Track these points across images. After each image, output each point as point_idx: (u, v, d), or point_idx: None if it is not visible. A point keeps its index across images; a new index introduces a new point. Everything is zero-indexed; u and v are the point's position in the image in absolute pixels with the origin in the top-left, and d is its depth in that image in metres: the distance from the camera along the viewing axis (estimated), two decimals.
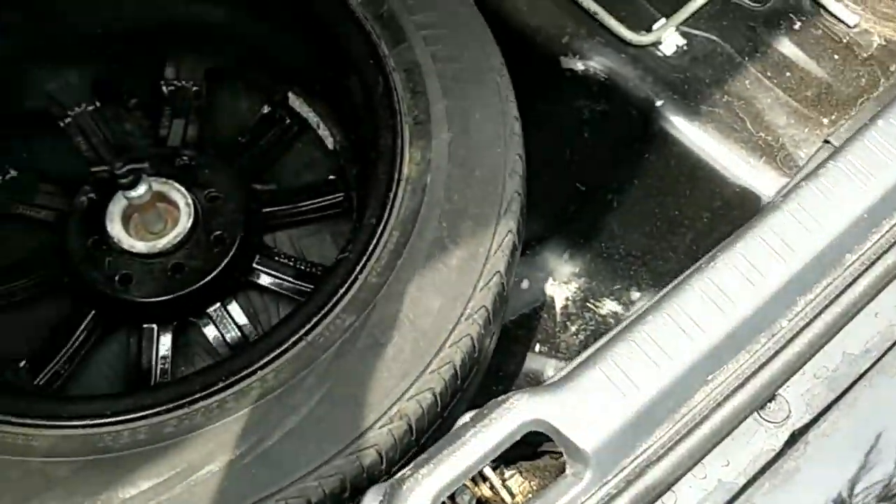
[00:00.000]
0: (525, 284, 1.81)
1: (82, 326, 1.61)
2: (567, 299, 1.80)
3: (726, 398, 0.97)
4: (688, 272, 1.05)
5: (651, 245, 1.68)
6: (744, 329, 0.98)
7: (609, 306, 1.76)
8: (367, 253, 1.28)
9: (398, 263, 1.27)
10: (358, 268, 1.27)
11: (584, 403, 0.94)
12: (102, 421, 1.17)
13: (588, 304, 1.78)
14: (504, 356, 1.74)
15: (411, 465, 0.95)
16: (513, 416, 0.93)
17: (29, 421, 1.16)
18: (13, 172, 1.74)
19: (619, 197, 1.68)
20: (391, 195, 1.32)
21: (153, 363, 1.61)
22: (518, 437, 0.94)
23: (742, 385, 0.97)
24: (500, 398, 0.97)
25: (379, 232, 1.30)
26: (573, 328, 1.78)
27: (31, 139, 1.82)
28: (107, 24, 1.72)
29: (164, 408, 1.18)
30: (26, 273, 1.66)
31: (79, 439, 1.15)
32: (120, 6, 1.71)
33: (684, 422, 0.96)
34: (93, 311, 1.62)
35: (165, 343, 1.63)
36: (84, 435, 1.16)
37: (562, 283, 1.80)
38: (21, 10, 1.60)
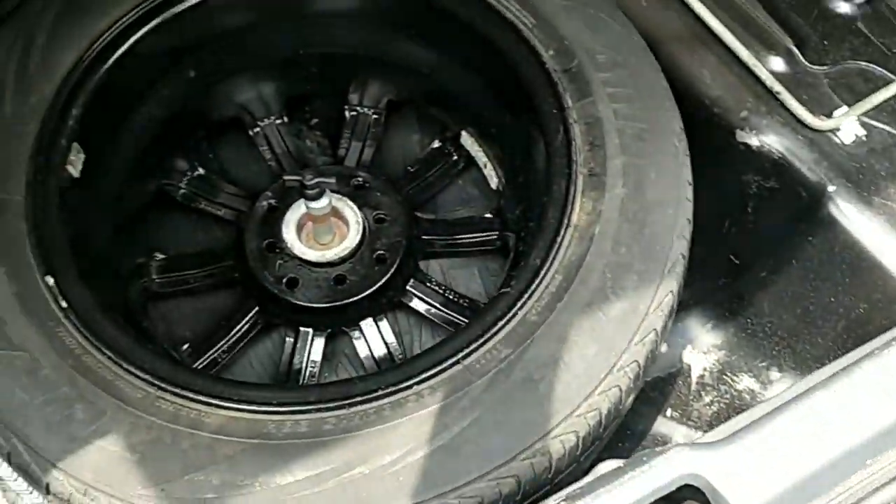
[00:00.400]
0: (664, 348, 1.81)
1: (245, 320, 1.72)
2: (704, 369, 1.80)
3: (883, 485, 0.97)
4: (860, 353, 1.05)
5: (799, 328, 1.67)
6: None
7: (746, 382, 1.76)
8: (530, 291, 1.34)
9: (558, 305, 1.32)
10: (519, 304, 1.33)
11: (744, 465, 0.96)
12: (269, 409, 1.25)
13: (725, 376, 1.78)
14: (634, 415, 1.75)
15: (563, 495, 0.99)
16: (672, 466, 0.96)
17: (203, 399, 1.26)
18: (201, 171, 1.88)
19: (774, 276, 1.68)
20: (558, 239, 1.38)
21: (304, 365, 1.71)
22: (673, 489, 0.96)
23: None
24: (658, 448, 1.00)
25: (543, 273, 1.35)
26: (707, 398, 1.78)
27: (221, 143, 1.98)
28: (304, 48, 1.85)
29: (325, 405, 1.25)
30: (202, 265, 1.79)
31: (245, 422, 1.24)
32: (315, 33, 1.83)
33: (838, 500, 0.97)
34: (256, 307, 1.73)
35: (318, 348, 1.72)
36: (251, 419, 1.24)
37: (701, 352, 1.81)
38: (231, 31, 1.75)
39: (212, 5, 1.65)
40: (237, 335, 1.72)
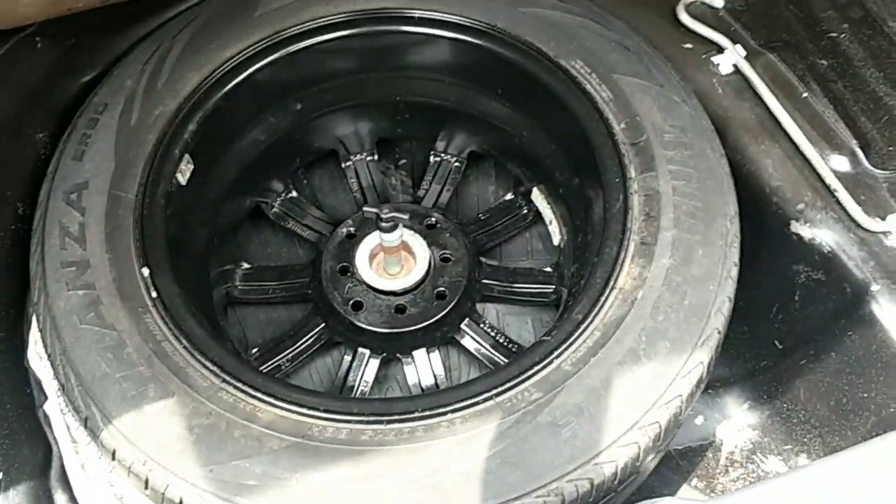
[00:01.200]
0: (699, 420, 1.88)
1: (311, 334, 1.87)
2: (735, 446, 1.85)
3: None
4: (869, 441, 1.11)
5: (832, 419, 1.71)
6: None
7: (774, 464, 1.80)
8: (568, 342, 1.44)
9: (592, 360, 1.41)
10: (556, 353, 1.43)
11: None
12: (315, 413, 1.38)
13: (755, 456, 1.83)
14: (661, 480, 1.81)
15: None
16: None
17: (259, 395, 1.40)
18: (294, 193, 2.06)
19: (813, 365, 1.73)
20: (602, 298, 1.47)
21: (357, 382, 1.84)
22: None
23: None
24: (654, 499, 1.09)
25: (583, 327, 1.45)
26: (734, 474, 1.83)
27: (314, 171, 2.15)
28: (401, 96, 2.01)
29: (366, 418, 1.37)
30: (281, 278, 1.96)
31: (292, 422, 1.36)
32: (412, 84, 1.99)
33: None
34: (323, 324, 1.88)
35: (372, 369, 1.85)
36: (297, 420, 1.37)
37: (735, 429, 1.86)
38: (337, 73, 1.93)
39: (323, 49, 1.83)
40: (302, 346, 1.86)
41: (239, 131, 1.85)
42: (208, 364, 1.42)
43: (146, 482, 1.35)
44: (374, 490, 1.30)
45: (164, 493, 1.33)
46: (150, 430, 1.36)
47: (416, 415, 1.37)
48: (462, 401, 1.39)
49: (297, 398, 1.40)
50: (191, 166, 1.72)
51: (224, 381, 1.41)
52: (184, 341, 1.45)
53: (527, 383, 1.40)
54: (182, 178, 1.70)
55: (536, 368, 1.41)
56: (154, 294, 1.49)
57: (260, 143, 1.90)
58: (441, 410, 1.38)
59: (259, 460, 1.32)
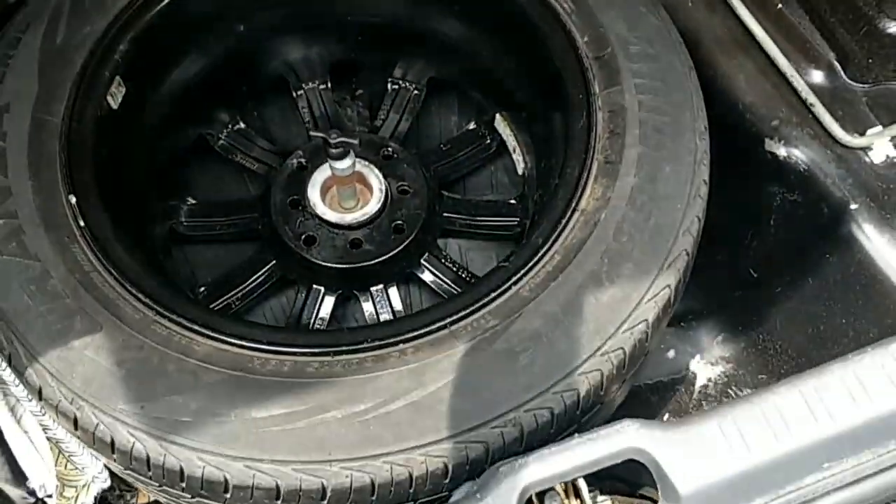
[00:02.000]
0: (671, 354, 1.81)
1: (262, 271, 1.77)
2: (709, 380, 1.78)
3: (837, 489, 0.95)
4: (835, 360, 1.04)
5: (808, 348, 1.64)
6: (874, 428, 0.96)
7: None
8: (526, 268, 1.35)
9: (551, 284, 1.33)
10: (514, 279, 1.34)
11: (692, 448, 0.96)
12: (256, 345, 1.29)
13: (729, 389, 1.76)
14: (631, 415, 1.74)
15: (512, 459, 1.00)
16: (620, 438, 0.97)
17: (196, 327, 1.30)
18: (241, 125, 1.94)
19: (789, 292, 1.65)
20: (563, 221, 1.38)
21: (312, 321, 1.74)
22: (619, 460, 0.97)
23: (857, 482, 0.95)
24: (613, 422, 1.00)
25: (542, 251, 1.36)
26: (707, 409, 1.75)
27: (263, 100, 2.03)
28: (353, 15, 1.88)
29: (311, 350, 1.28)
30: (228, 213, 1.85)
31: (231, 355, 1.28)
32: (364, 4, 1.87)
33: (787, 499, 0.95)
34: (274, 261, 1.78)
35: (327, 307, 1.76)
36: (237, 353, 1.28)
37: (708, 363, 1.79)
38: None
39: None
40: (253, 284, 1.76)
41: (176, 54, 1.74)
42: (140, 295, 1.33)
43: (75, 421, 1.27)
44: (320, 425, 1.22)
45: (94, 433, 1.25)
46: (77, 367, 1.27)
47: (365, 345, 1.29)
48: (414, 330, 1.30)
49: (237, 330, 1.32)
50: (122, 90, 1.60)
51: (157, 312, 1.32)
52: (113, 272, 1.35)
53: (483, 311, 1.32)
54: (113, 102, 1.58)
55: (493, 295, 1.33)
56: (81, 223, 1.39)
57: (200, 68, 1.79)
58: (391, 340, 1.30)
59: (194, 395, 1.24)
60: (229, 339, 1.29)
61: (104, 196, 1.49)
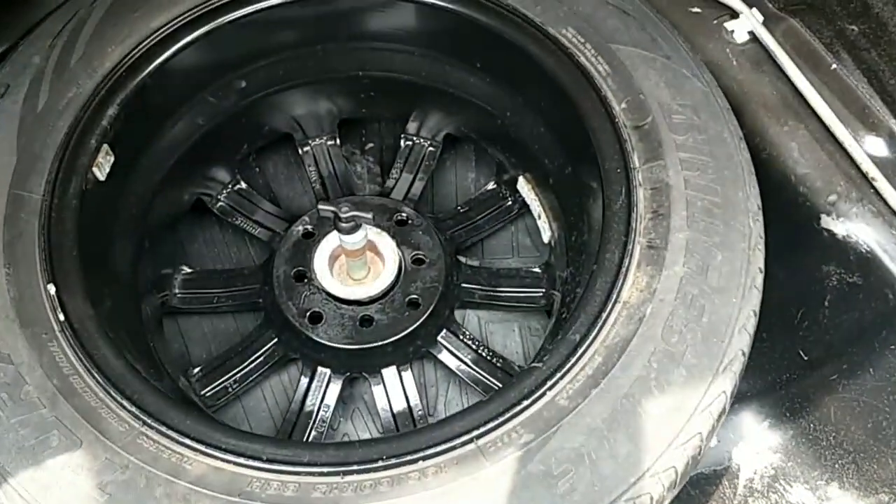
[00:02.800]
0: (713, 442, 1.64)
1: (262, 351, 1.62)
2: (755, 472, 1.62)
3: None
4: None
5: (869, 444, 1.48)
6: None
7: (800, 494, 1.57)
8: (563, 370, 1.19)
9: (593, 392, 1.17)
10: (549, 383, 1.18)
11: None
12: (256, 464, 1.13)
13: (777, 484, 1.59)
14: None
15: None
16: None
17: (188, 442, 1.15)
18: (242, 185, 1.80)
19: (846, 381, 1.49)
20: (604, 315, 1.23)
21: (316, 408, 1.59)
22: None
23: None
24: None
25: (581, 351, 1.21)
26: None
27: (267, 158, 1.88)
28: (364, 70, 1.74)
29: (319, 469, 1.13)
30: (227, 284, 1.70)
31: (229, 475, 1.13)
32: (374, 56, 1.72)
33: None
34: (276, 339, 1.62)
35: (333, 391, 1.61)
36: (235, 473, 1.13)
37: (754, 452, 1.63)
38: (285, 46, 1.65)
39: (269, 17, 1.55)
40: (252, 364, 1.62)
41: (171, 115, 1.59)
42: (125, 403, 1.18)
43: None
44: None
45: None
46: (53, 489, 1.12)
47: (380, 464, 1.14)
48: (435, 445, 1.15)
49: (234, 445, 1.16)
50: (111, 158, 1.45)
51: (144, 424, 1.17)
52: (96, 375, 1.20)
53: (514, 421, 1.16)
54: (100, 173, 1.44)
55: (526, 403, 1.17)
56: (62, 317, 1.24)
57: (198, 127, 1.64)
58: (410, 458, 1.14)
59: None
60: (225, 457, 1.14)
61: (87, 280, 1.34)
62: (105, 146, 1.43)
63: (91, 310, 1.30)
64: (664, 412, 1.16)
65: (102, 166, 1.44)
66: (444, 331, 1.64)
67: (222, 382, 1.60)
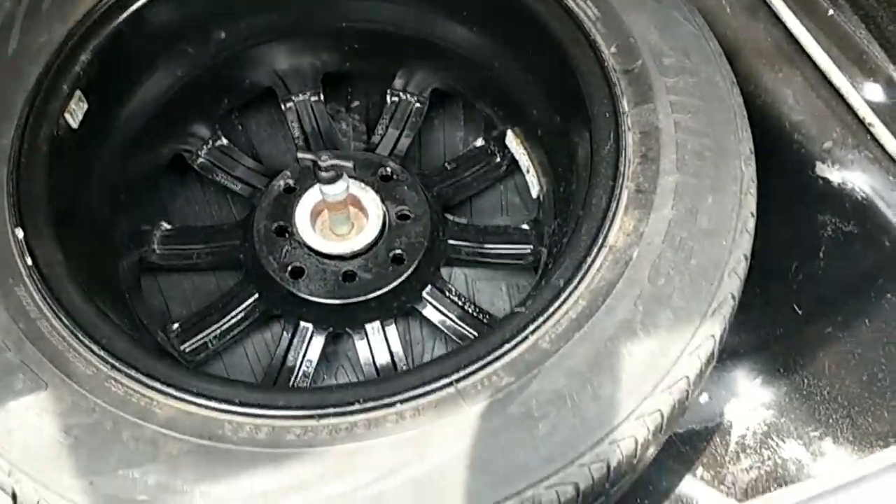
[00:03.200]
0: (704, 399, 1.61)
1: (243, 306, 1.58)
2: (747, 428, 1.58)
3: None
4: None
5: (864, 397, 1.45)
6: None
7: (793, 450, 1.53)
8: (546, 314, 1.16)
9: (576, 335, 1.14)
10: (531, 327, 1.15)
11: None
12: (228, 407, 1.10)
13: (770, 440, 1.56)
14: (660, 471, 1.55)
15: None
16: None
17: (158, 385, 1.12)
18: (223, 140, 1.76)
19: (841, 333, 1.46)
20: (588, 259, 1.19)
21: (298, 363, 1.55)
22: None
23: None
24: None
25: (564, 295, 1.17)
26: (745, 462, 1.56)
27: (249, 114, 1.84)
28: (347, 21, 1.69)
29: (293, 413, 1.09)
30: (208, 240, 1.66)
31: (199, 419, 1.09)
32: (361, 9, 1.67)
33: None
34: (256, 295, 1.59)
35: (316, 347, 1.57)
36: (206, 416, 1.09)
37: (747, 408, 1.59)
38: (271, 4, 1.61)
39: None
40: (232, 321, 1.58)
41: (147, 64, 1.55)
42: (93, 347, 1.14)
43: (13, 497, 1.08)
44: None
45: None
46: (17, 433, 1.09)
47: (357, 407, 1.10)
48: (414, 388, 1.11)
49: (206, 389, 1.13)
50: (84, 105, 1.42)
51: (113, 367, 1.13)
52: (63, 319, 1.17)
53: (495, 365, 1.12)
54: (73, 120, 1.40)
55: (507, 347, 1.13)
56: (29, 261, 1.21)
57: (176, 79, 1.60)
58: (387, 401, 1.11)
59: (153, 468, 1.06)
60: (196, 400, 1.10)
61: (59, 228, 1.30)
62: (78, 92, 1.39)
63: (61, 256, 1.26)
64: (649, 355, 1.12)
65: (75, 113, 1.40)
66: (430, 287, 1.61)
67: (202, 338, 1.56)
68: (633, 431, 1.09)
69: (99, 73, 1.43)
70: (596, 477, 1.07)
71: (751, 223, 1.23)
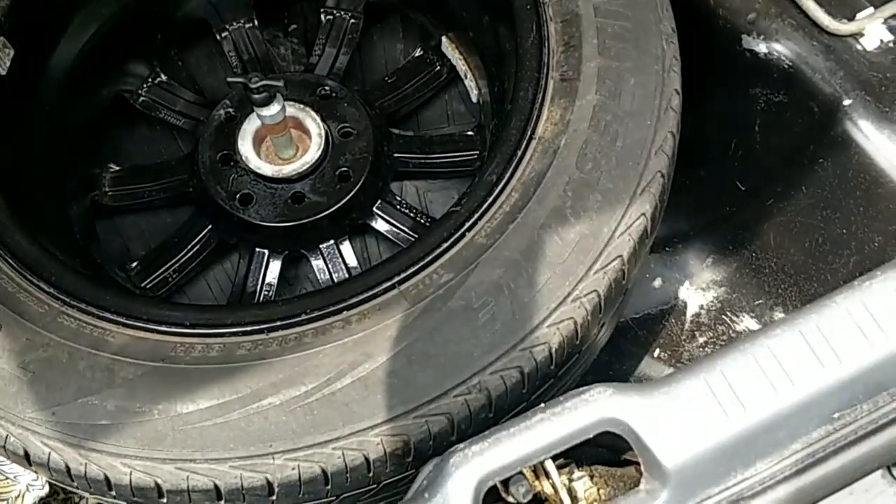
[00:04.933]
0: (657, 283, 1.65)
1: (197, 238, 1.61)
2: (701, 307, 1.62)
3: (852, 443, 0.80)
4: (838, 290, 0.87)
5: (808, 264, 1.49)
6: (891, 366, 0.81)
7: (746, 323, 1.58)
8: (480, 210, 1.18)
9: (510, 227, 1.16)
10: (467, 224, 1.17)
11: (676, 413, 0.80)
12: (179, 330, 1.13)
13: (724, 316, 1.60)
14: (618, 355, 1.60)
15: (467, 441, 0.85)
16: (590, 409, 0.81)
17: (109, 315, 1.15)
18: (163, 77, 1.75)
19: (782, 204, 1.49)
20: (518, 153, 1.21)
21: (258, 288, 1.58)
22: (591, 434, 0.81)
23: (875, 432, 0.80)
24: (580, 388, 0.85)
25: (497, 190, 1.19)
26: (701, 339, 1.61)
27: (186, 47, 1.83)
28: None
29: (242, 329, 1.13)
30: (157, 177, 1.67)
31: (151, 343, 1.13)
32: None
33: (794, 459, 0.80)
34: (210, 225, 1.60)
35: (273, 270, 1.60)
36: (157, 341, 1.13)
37: (699, 288, 1.63)
38: None
39: None
40: (189, 254, 1.60)
41: (72, 4, 1.52)
42: (42, 285, 1.17)
43: None
44: (257, 414, 1.07)
45: (4, 446, 1.11)
46: None
47: (304, 317, 1.14)
48: (357, 294, 1.14)
49: (155, 314, 1.16)
50: (10, 52, 1.40)
51: (63, 302, 1.15)
52: (10, 260, 1.19)
53: (435, 264, 1.15)
54: (0, 67, 1.39)
55: (445, 246, 1.16)
56: None
57: (104, 17, 1.58)
58: (333, 308, 1.14)
59: (111, 394, 1.09)
60: (147, 326, 1.14)
61: (8, 179, 1.31)
62: (1, 38, 1.39)
63: (3, 202, 1.28)
64: (581, 238, 1.14)
65: (2, 60, 1.39)
66: (380, 201, 1.62)
67: (161, 273, 1.59)
68: (571, 313, 1.12)
69: (21, 17, 1.41)
70: (539, 359, 1.10)
71: (676, 100, 1.24)
